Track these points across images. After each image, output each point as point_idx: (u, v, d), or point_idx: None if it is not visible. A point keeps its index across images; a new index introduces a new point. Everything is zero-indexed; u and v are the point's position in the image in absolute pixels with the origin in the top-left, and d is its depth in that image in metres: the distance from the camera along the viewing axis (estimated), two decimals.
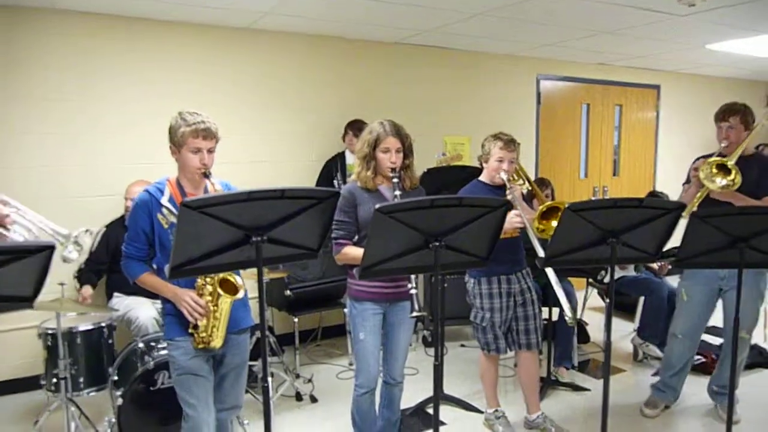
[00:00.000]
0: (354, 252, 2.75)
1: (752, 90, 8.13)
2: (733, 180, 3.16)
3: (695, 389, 3.86)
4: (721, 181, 3.20)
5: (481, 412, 3.77)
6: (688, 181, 3.57)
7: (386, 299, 2.86)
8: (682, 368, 3.70)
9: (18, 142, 4.05)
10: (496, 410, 3.54)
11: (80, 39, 4.19)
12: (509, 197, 3.07)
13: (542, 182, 4.70)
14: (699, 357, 4.28)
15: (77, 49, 4.19)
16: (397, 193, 2.72)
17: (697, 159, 3.59)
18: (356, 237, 2.82)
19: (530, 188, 3.51)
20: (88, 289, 3.84)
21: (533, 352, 3.43)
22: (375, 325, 2.87)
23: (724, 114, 3.42)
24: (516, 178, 3.42)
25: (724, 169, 3.21)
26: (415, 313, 2.61)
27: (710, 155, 3.46)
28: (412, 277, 2.66)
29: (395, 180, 2.75)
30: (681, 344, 3.66)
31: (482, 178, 3.34)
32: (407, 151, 2.83)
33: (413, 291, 2.63)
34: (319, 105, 5.14)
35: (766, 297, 3.61)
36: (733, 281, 3.34)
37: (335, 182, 4.83)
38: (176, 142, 2.38)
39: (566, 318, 2.96)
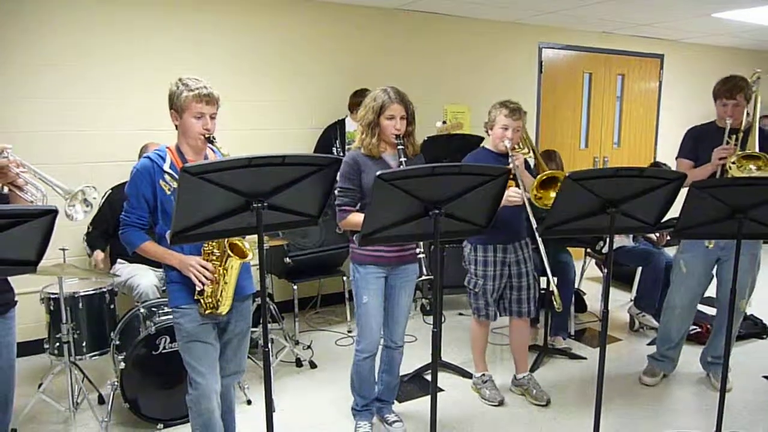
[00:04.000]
0: (358, 218, 2.75)
1: (757, 60, 8.03)
2: (762, 165, 3.15)
3: (689, 358, 3.91)
4: (753, 166, 3.19)
5: None
6: (684, 156, 3.56)
7: (390, 262, 2.90)
8: (680, 340, 3.74)
9: (17, 107, 4.02)
10: (483, 374, 3.63)
11: (78, 5, 4.13)
12: (512, 165, 3.07)
13: (549, 155, 4.66)
14: (694, 327, 4.33)
15: (75, 16, 4.13)
16: (403, 159, 2.73)
17: (693, 129, 3.59)
18: (359, 204, 2.84)
19: (534, 157, 3.50)
20: (99, 254, 3.83)
21: (524, 319, 3.49)
22: (378, 288, 2.91)
23: (731, 92, 3.35)
24: (521, 146, 3.42)
25: (752, 158, 3.20)
26: (424, 277, 2.65)
27: (707, 125, 3.50)
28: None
29: (400, 147, 2.76)
30: (679, 317, 3.67)
31: (487, 145, 3.35)
32: (410, 117, 2.84)
33: (421, 255, 2.67)
34: (318, 72, 5.09)
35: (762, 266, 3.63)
36: (732, 251, 3.38)
37: (334, 149, 4.81)
38: (178, 108, 2.36)
39: (555, 305, 3.01)
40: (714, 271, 3.62)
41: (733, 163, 3.19)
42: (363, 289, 2.90)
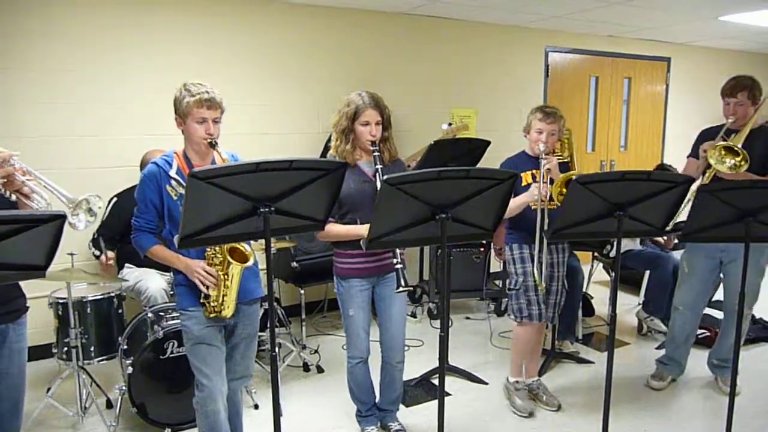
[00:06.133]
0: (336, 229, 2.72)
1: (764, 63, 8.01)
2: (740, 162, 3.13)
3: (697, 362, 3.89)
4: (730, 161, 3.17)
5: (485, 383, 3.81)
6: (692, 155, 3.56)
7: (373, 273, 2.86)
8: (685, 341, 3.74)
9: (24, 112, 4.05)
10: (517, 381, 3.53)
11: (85, 9, 4.16)
12: (543, 169, 3.08)
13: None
14: (702, 331, 4.31)
15: (83, 19, 4.16)
16: (379, 167, 2.67)
17: (705, 130, 3.57)
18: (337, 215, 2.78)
19: (568, 160, 3.49)
20: (110, 253, 3.81)
21: (542, 323, 3.46)
22: (364, 300, 2.87)
23: (733, 89, 3.37)
24: (561, 150, 3.43)
25: (732, 151, 3.18)
26: (401, 288, 2.60)
27: (717, 127, 3.46)
28: (397, 251, 2.64)
29: (375, 154, 2.70)
30: (682, 317, 3.69)
31: (526, 149, 3.36)
32: (386, 123, 2.79)
33: (399, 266, 2.61)
34: (326, 77, 5.10)
35: (766, 272, 3.61)
36: (733, 254, 3.39)
37: None
38: (181, 113, 2.38)
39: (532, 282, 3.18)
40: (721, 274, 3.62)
41: (714, 149, 3.17)
42: (348, 302, 2.86)
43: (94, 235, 3.94)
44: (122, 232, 3.84)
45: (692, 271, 3.62)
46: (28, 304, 2.39)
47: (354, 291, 2.85)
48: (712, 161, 3.17)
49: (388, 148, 2.83)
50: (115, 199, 3.96)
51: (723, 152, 3.19)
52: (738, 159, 3.14)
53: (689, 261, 3.64)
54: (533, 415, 3.40)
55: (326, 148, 4.93)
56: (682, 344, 3.74)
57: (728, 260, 3.49)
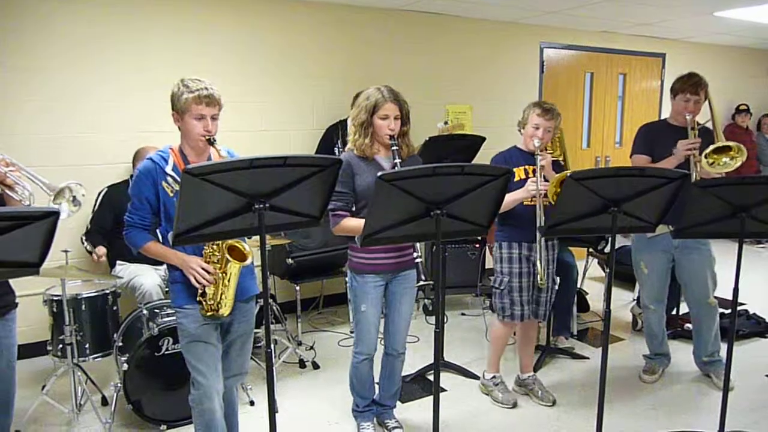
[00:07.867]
0: (352, 223, 2.72)
1: (758, 58, 8.04)
2: (735, 155, 3.19)
3: (690, 356, 3.90)
4: (728, 159, 3.23)
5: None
6: (641, 152, 3.59)
7: (390, 270, 2.86)
8: (664, 334, 3.83)
9: (16, 110, 4.02)
10: (494, 376, 3.58)
11: (78, 6, 4.13)
12: (539, 164, 3.08)
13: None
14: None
15: (75, 17, 4.13)
16: (398, 161, 2.67)
17: (648, 126, 3.67)
18: (354, 208, 2.80)
19: (561, 159, 3.51)
20: (101, 249, 3.84)
21: (536, 320, 3.49)
22: (377, 297, 2.87)
23: (695, 88, 3.42)
24: (553, 148, 3.44)
25: (723, 150, 3.22)
26: (422, 282, 2.61)
27: (660, 123, 3.64)
28: (418, 245, 2.66)
29: (394, 148, 2.70)
30: (656, 314, 3.75)
31: (519, 144, 3.35)
32: (405, 117, 2.79)
33: (419, 260, 2.63)
34: (320, 73, 5.09)
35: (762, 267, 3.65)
36: (685, 250, 3.52)
37: (336, 149, 4.81)
38: (179, 109, 2.36)
39: (538, 280, 3.19)
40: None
41: (705, 157, 3.22)
42: (361, 298, 2.86)
43: (87, 227, 3.94)
44: (113, 225, 3.84)
45: (652, 269, 3.67)
46: (17, 301, 2.38)
47: (368, 287, 2.84)
48: (712, 169, 3.21)
49: (406, 143, 2.83)
50: (105, 189, 3.96)
51: (715, 156, 3.23)
52: (732, 153, 3.20)
53: (647, 261, 3.68)
54: (517, 405, 3.46)
55: (321, 144, 4.93)
56: (662, 338, 3.82)
57: (680, 256, 3.56)
